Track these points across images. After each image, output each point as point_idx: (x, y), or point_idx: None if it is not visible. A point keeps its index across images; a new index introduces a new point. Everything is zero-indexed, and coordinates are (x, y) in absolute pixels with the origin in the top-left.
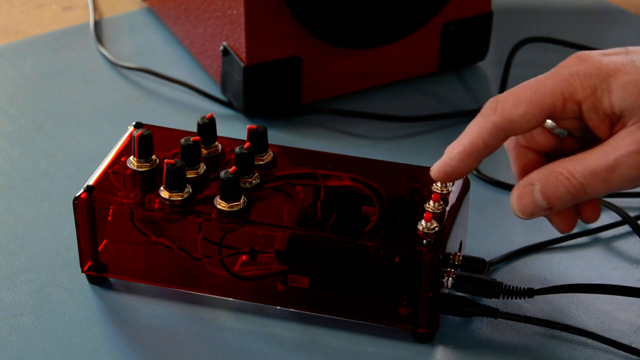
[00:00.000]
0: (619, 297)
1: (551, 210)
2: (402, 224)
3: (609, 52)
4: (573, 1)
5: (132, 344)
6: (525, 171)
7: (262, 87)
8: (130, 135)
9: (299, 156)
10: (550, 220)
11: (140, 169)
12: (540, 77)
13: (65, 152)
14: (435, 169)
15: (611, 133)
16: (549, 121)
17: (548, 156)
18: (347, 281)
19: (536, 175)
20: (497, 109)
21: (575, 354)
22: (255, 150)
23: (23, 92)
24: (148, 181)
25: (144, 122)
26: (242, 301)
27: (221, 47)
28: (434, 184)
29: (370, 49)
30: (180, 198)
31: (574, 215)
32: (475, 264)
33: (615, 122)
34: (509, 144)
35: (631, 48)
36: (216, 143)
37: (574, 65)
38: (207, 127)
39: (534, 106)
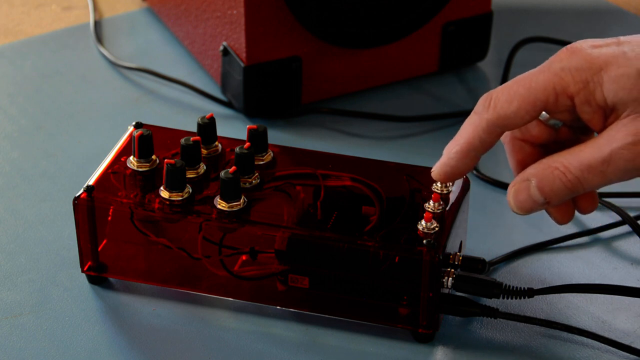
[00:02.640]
0: (619, 297)
1: (548, 204)
2: (402, 224)
3: (600, 43)
4: (573, 1)
5: (132, 344)
6: (522, 165)
7: (262, 87)
8: (130, 135)
9: (299, 156)
10: (548, 213)
11: (140, 169)
12: (532, 71)
13: (65, 152)
14: (436, 170)
15: (605, 125)
16: (543, 113)
17: (544, 147)
18: (347, 281)
19: (532, 171)
20: (490, 106)
21: (575, 354)
22: (255, 150)
23: (23, 92)
24: (148, 181)
25: (144, 122)
26: (242, 301)
27: (221, 47)
28: (434, 184)
29: (370, 49)
30: (180, 198)
31: (572, 207)
32: (475, 264)
33: (608, 114)
34: (505, 137)
35: (622, 38)
36: (216, 143)
37: (565, 59)
38: (207, 127)
39: (527, 102)
